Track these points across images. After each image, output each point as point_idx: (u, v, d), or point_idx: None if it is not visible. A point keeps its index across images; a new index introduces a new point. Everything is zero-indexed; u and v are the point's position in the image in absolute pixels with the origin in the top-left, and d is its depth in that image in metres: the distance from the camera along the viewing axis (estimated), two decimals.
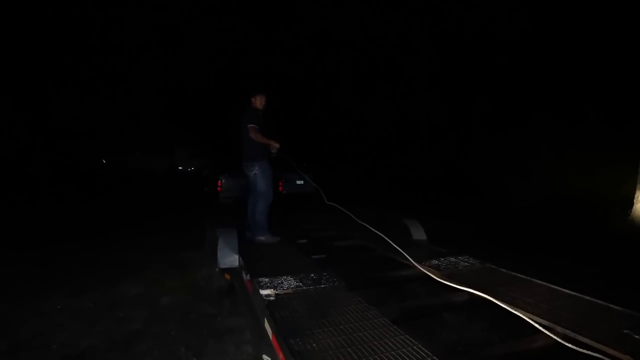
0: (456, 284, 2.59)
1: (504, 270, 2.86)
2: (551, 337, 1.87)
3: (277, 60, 18.39)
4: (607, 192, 7.85)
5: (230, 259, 3.09)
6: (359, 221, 4.07)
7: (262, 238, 3.90)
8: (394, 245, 3.29)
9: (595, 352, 1.68)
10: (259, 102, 4.06)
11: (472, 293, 2.45)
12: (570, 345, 1.76)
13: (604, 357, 1.64)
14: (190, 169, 23.87)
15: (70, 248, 5.17)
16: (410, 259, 3.15)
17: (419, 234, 4.08)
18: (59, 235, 5.95)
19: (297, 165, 4.42)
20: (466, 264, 3.03)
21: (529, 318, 2.02)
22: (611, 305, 2.11)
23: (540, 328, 1.92)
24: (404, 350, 1.57)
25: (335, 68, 16.86)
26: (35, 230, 6.42)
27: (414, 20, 13.80)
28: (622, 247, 5.16)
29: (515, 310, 2.12)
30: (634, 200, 6.46)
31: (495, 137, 11.82)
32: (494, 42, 11.80)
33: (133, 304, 3.31)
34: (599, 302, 2.17)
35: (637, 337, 1.75)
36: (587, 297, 2.24)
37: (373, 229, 3.77)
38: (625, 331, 1.80)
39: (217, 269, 3.18)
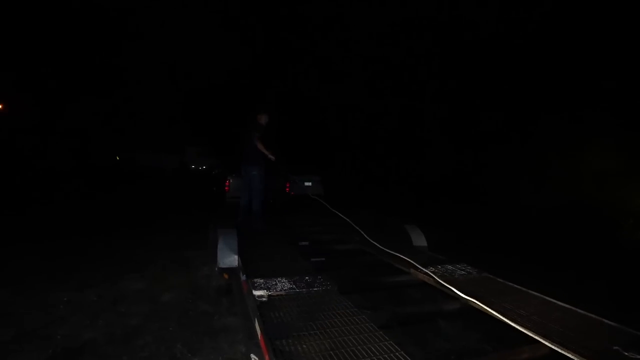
0: (452, 292, 2.60)
1: (500, 280, 2.84)
2: (539, 350, 1.87)
3: (289, 62, 18.50)
4: (623, 202, 7.65)
5: (229, 259, 3.15)
6: (344, 218, 4.36)
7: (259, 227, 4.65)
8: (381, 248, 3.36)
9: None
10: (263, 119, 4.86)
11: (466, 301, 2.45)
12: (563, 353, 1.76)
13: None
14: (202, 167, 24.25)
15: (79, 244, 5.33)
16: (407, 264, 3.17)
17: (419, 240, 4.07)
18: (69, 231, 6.13)
19: (291, 175, 5.37)
20: (463, 272, 3.02)
21: (520, 330, 2.02)
22: (605, 320, 2.09)
23: (531, 340, 1.92)
24: (385, 356, 1.60)
25: (343, 70, 16.87)
26: (47, 224, 6.63)
27: (416, 19, 13.71)
28: (632, 264, 5.03)
29: (507, 320, 2.12)
30: None
31: (505, 144, 11.63)
32: (500, 46, 11.61)
33: (135, 300, 3.41)
34: (592, 316, 2.14)
35: (627, 354, 1.73)
36: (580, 311, 2.21)
37: (363, 232, 4.00)
38: (615, 347, 1.78)
39: (216, 269, 3.25)
